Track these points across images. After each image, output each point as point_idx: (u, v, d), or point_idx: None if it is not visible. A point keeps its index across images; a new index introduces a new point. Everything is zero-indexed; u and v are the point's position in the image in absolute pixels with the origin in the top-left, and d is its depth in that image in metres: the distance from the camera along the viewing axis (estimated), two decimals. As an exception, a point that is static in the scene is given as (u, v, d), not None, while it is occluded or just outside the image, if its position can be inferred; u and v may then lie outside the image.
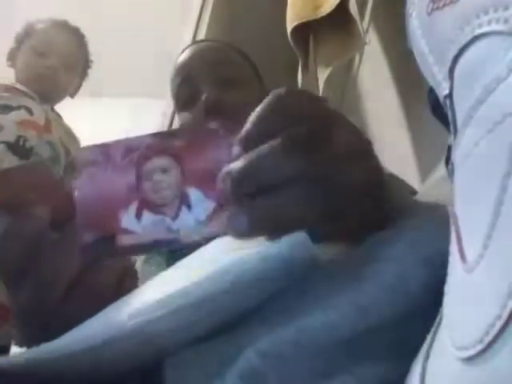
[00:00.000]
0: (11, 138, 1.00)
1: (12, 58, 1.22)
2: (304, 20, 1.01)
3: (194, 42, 1.17)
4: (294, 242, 0.25)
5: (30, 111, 1.08)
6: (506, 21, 0.16)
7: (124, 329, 0.27)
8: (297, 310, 0.25)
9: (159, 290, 0.28)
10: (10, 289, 0.34)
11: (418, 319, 0.22)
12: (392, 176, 0.51)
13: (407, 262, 0.24)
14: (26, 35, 1.21)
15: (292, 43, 1.08)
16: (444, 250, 0.22)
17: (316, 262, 0.26)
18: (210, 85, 0.69)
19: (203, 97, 0.67)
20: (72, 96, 1.31)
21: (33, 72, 1.16)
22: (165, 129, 1.26)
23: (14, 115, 1.05)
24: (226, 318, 0.27)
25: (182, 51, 0.78)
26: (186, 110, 0.71)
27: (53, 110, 1.19)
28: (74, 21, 1.28)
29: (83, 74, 1.31)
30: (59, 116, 1.21)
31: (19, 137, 1.01)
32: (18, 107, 1.07)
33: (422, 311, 0.22)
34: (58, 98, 1.23)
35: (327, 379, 0.22)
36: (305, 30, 1.07)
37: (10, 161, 0.97)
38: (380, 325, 0.23)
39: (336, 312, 0.23)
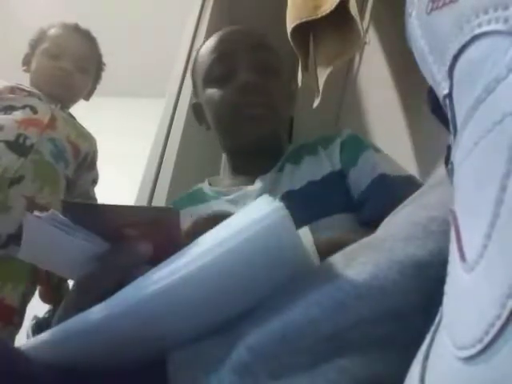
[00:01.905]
0: (11, 137, 1.01)
1: (27, 62, 1.23)
2: (304, 20, 1.01)
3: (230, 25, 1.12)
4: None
5: (34, 110, 1.09)
6: (505, 20, 0.16)
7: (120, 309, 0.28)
8: (283, 308, 0.26)
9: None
10: (74, 301, 0.35)
11: (403, 317, 0.23)
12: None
13: (381, 266, 0.25)
14: (39, 40, 1.22)
15: (292, 43, 1.08)
16: (411, 253, 0.24)
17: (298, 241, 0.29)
18: (248, 66, 0.67)
19: (242, 77, 0.66)
20: (86, 99, 1.32)
21: (46, 73, 1.17)
22: (164, 128, 1.26)
23: (17, 114, 1.06)
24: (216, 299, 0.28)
25: (220, 30, 0.75)
26: (216, 86, 0.69)
27: (65, 110, 1.20)
28: (74, 21, 1.28)
29: (96, 76, 1.32)
30: (71, 116, 1.22)
31: (19, 135, 1.02)
32: (23, 107, 1.08)
33: (406, 310, 0.23)
34: (72, 99, 1.24)
35: (310, 370, 0.23)
36: (305, 29, 1.07)
37: (8, 158, 0.97)
38: (360, 320, 0.24)
39: (317, 308, 0.25)
